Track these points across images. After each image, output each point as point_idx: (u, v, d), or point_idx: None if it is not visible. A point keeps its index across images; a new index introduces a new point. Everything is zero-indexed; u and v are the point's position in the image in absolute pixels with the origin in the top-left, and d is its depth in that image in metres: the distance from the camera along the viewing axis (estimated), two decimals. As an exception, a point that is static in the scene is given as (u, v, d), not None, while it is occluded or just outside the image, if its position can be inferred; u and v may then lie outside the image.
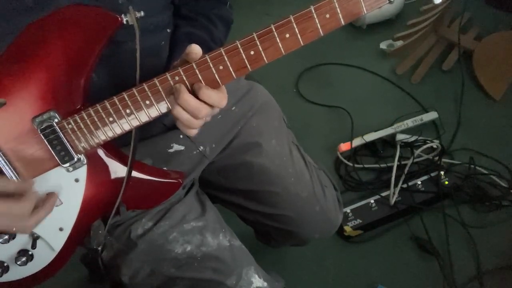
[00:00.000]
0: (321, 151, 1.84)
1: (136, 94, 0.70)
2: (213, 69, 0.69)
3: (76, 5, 0.68)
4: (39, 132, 0.71)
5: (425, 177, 1.66)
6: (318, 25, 0.66)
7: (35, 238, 0.79)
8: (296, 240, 1.18)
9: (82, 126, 0.71)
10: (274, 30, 0.66)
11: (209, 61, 0.68)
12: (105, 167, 0.76)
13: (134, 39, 0.68)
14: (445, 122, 1.85)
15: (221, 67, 0.69)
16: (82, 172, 0.75)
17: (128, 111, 0.71)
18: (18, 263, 0.79)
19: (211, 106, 0.71)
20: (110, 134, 0.73)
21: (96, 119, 0.71)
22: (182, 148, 0.96)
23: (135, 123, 0.72)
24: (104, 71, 0.78)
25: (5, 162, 0.72)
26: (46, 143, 0.72)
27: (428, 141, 1.77)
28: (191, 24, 0.93)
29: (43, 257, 0.81)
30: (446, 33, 2.06)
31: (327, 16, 0.65)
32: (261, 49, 0.67)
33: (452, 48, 2.06)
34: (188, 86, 0.70)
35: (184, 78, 0.69)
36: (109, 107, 0.70)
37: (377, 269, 1.51)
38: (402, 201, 1.60)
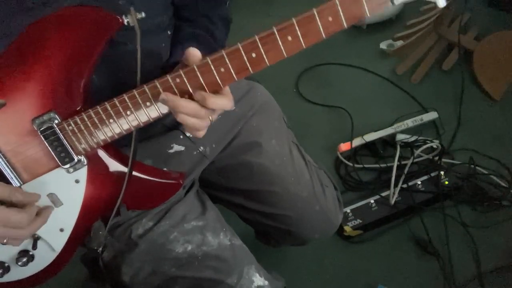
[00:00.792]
0: (321, 151, 1.84)
1: (137, 96, 0.70)
2: (214, 71, 0.69)
3: (76, 6, 0.68)
4: (39, 133, 0.71)
5: (425, 177, 1.66)
6: (321, 27, 0.66)
7: (35, 239, 0.79)
8: (296, 240, 1.18)
9: (83, 128, 0.71)
10: (276, 33, 0.66)
11: (210, 63, 0.68)
12: (106, 168, 0.76)
13: (135, 40, 0.68)
14: (445, 122, 1.85)
15: (222, 70, 0.68)
16: (82, 173, 0.75)
17: (128, 112, 0.71)
18: (19, 263, 0.79)
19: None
20: (111, 135, 0.73)
21: (96, 121, 0.71)
22: (182, 148, 0.96)
23: (136, 124, 0.72)
24: (104, 72, 0.78)
25: (5, 163, 0.72)
26: (46, 144, 0.72)
27: (428, 141, 1.77)
28: (192, 25, 0.93)
29: (44, 257, 0.81)
30: (446, 33, 2.06)
31: (330, 18, 0.65)
32: (263, 51, 0.67)
33: (452, 48, 2.07)
34: (189, 88, 0.70)
35: (185, 80, 0.69)
36: (109, 108, 0.70)
37: (377, 269, 1.51)
38: (402, 201, 1.60)
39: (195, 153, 0.98)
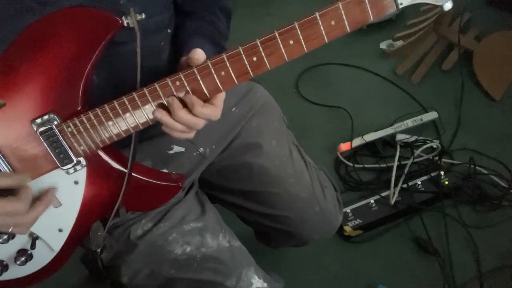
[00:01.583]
0: (321, 151, 1.84)
1: (136, 99, 0.70)
2: (214, 74, 0.68)
3: (76, 7, 0.68)
4: (38, 134, 0.71)
5: (425, 177, 1.66)
6: (323, 32, 0.65)
7: (34, 238, 0.79)
8: (296, 241, 1.18)
9: (82, 130, 0.71)
10: (277, 36, 0.65)
11: (210, 66, 0.68)
12: (105, 169, 0.76)
13: (134, 41, 0.68)
14: (445, 122, 1.85)
15: (222, 73, 0.68)
16: (81, 174, 0.75)
17: (128, 115, 0.71)
18: (17, 262, 0.79)
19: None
20: (110, 137, 0.72)
21: (95, 123, 0.71)
22: (182, 149, 0.96)
23: (135, 126, 0.72)
24: (103, 72, 0.77)
25: (4, 163, 0.72)
26: (46, 145, 0.72)
27: (428, 141, 1.77)
28: (196, 19, 0.92)
29: (42, 257, 0.81)
30: (446, 33, 2.06)
31: (333, 23, 0.64)
32: (264, 55, 0.66)
33: (452, 48, 2.06)
34: (189, 91, 0.70)
35: (185, 84, 0.69)
36: (108, 110, 0.70)
37: (377, 269, 1.51)
38: (402, 201, 1.60)
39: (195, 154, 0.98)
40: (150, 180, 0.79)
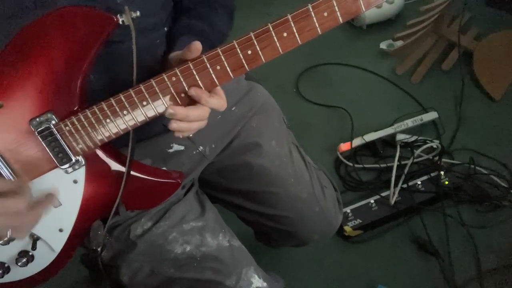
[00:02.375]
0: (321, 151, 1.84)
1: (133, 95, 0.70)
2: (210, 69, 0.69)
3: (72, 6, 0.67)
4: (37, 134, 0.70)
5: (425, 177, 1.66)
6: (316, 23, 0.65)
7: (35, 239, 0.79)
8: (295, 241, 1.18)
9: (80, 128, 0.71)
10: (271, 29, 0.66)
11: (206, 61, 0.68)
12: (104, 168, 0.76)
13: (131, 39, 0.68)
14: (445, 122, 1.85)
15: (218, 67, 0.68)
16: (80, 174, 0.75)
17: (125, 112, 0.71)
18: (18, 264, 0.79)
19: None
20: (108, 135, 0.72)
21: (93, 121, 0.71)
22: (182, 148, 0.96)
23: (133, 124, 0.72)
24: (100, 70, 0.77)
25: (3, 164, 0.72)
26: (44, 145, 0.71)
27: (428, 141, 1.77)
28: (191, 15, 0.92)
29: (43, 258, 0.81)
30: (446, 33, 2.06)
31: (325, 14, 0.65)
32: (258, 48, 0.67)
33: (452, 48, 2.06)
34: (185, 86, 0.70)
35: (181, 79, 0.69)
36: (106, 108, 0.70)
37: (377, 269, 1.51)
38: (402, 201, 1.60)
39: (194, 152, 0.98)
40: (149, 178, 0.79)
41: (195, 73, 0.69)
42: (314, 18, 0.65)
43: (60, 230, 0.79)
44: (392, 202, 1.59)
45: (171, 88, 0.70)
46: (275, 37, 0.66)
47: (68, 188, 0.76)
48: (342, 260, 1.55)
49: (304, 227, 1.10)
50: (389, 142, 1.81)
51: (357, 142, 1.79)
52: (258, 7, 2.47)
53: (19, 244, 0.79)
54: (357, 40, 2.26)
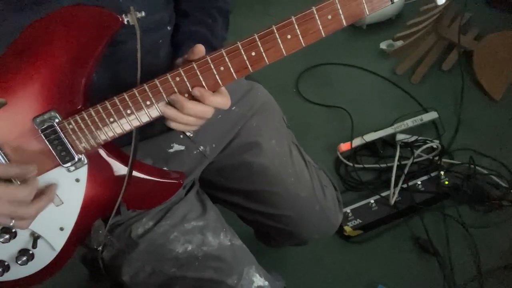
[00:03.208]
0: (321, 151, 1.84)
1: (137, 95, 0.70)
2: (214, 70, 0.69)
3: (77, 5, 0.68)
4: (40, 132, 0.71)
5: (425, 177, 1.66)
6: (320, 26, 0.66)
7: (35, 238, 0.79)
8: (296, 240, 1.18)
9: (83, 126, 0.71)
10: (275, 31, 0.66)
11: (210, 61, 0.68)
12: (106, 167, 0.76)
13: (134, 39, 0.68)
14: (445, 122, 1.85)
15: (222, 68, 0.69)
16: (83, 172, 0.75)
17: (128, 111, 0.71)
18: (19, 262, 0.79)
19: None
20: (111, 134, 0.73)
21: (96, 120, 0.71)
22: (183, 148, 0.96)
23: (136, 123, 0.72)
24: (104, 70, 0.78)
25: (6, 161, 0.72)
26: (47, 143, 0.72)
27: (428, 141, 1.77)
28: (189, 20, 0.93)
29: (43, 256, 0.81)
30: (446, 33, 2.06)
31: (329, 17, 0.65)
32: (262, 50, 0.67)
33: (452, 48, 2.07)
34: (189, 87, 0.70)
35: (185, 79, 0.69)
36: (109, 107, 0.70)
37: (377, 269, 1.51)
38: (402, 201, 1.60)
39: (195, 152, 0.98)
40: (151, 178, 0.79)
41: (199, 73, 0.69)
42: (318, 21, 0.66)
43: (61, 229, 0.79)
44: (392, 202, 1.59)
45: (175, 88, 0.70)
46: (279, 39, 0.67)
47: (70, 187, 0.76)
48: (342, 260, 1.55)
49: (304, 226, 1.10)
50: (389, 142, 1.81)
51: (357, 142, 1.79)
52: (258, 7, 2.47)
53: (20, 243, 0.79)
54: (357, 40, 2.26)
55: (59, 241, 0.80)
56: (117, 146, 0.78)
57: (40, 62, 0.69)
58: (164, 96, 0.70)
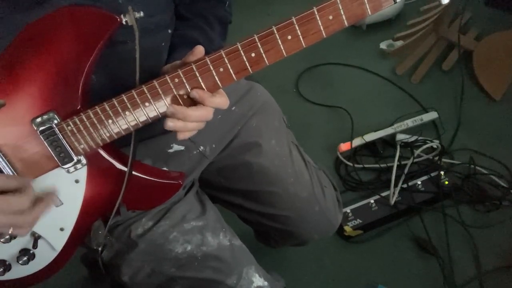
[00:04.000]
0: (321, 151, 1.84)
1: (135, 96, 0.70)
2: (213, 71, 0.68)
3: (75, 6, 0.68)
4: (39, 133, 0.70)
5: (425, 177, 1.66)
6: (321, 26, 0.65)
7: (36, 238, 0.79)
8: (295, 240, 1.18)
9: (82, 128, 0.71)
10: (275, 32, 0.65)
11: (209, 63, 0.68)
12: (105, 168, 0.76)
13: (134, 40, 0.68)
14: (445, 122, 1.85)
15: (221, 69, 0.68)
16: (82, 173, 0.75)
17: (127, 113, 0.71)
18: (19, 262, 0.79)
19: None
20: (110, 135, 0.72)
21: (95, 121, 0.71)
22: (182, 148, 0.96)
23: (134, 124, 0.72)
24: (103, 71, 0.77)
25: (5, 163, 0.72)
26: (46, 144, 0.71)
27: (428, 141, 1.77)
28: (186, 24, 0.92)
29: (44, 256, 0.81)
30: (446, 33, 2.06)
31: (330, 17, 0.64)
32: (262, 51, 0.66)
33: (452, 48, 2.07)
34: (188, 88, 0.70)
35: (184, 81, 0.69)
36: (108, 109, 0.70)
37: (377, 269, 1.52)
38: (402, 201, 1.60)
39: (195, 152, 0.98)
40: (151, 178, 0.79)
41: (198, 75, 0.68)
42: (319, 21, 0.64)
43: (61, 229, 0.79)
44: (392, 202, 1.59)
45: (174, 90, 0.70)
46: (279, 40, 0.66)
47: (69, 188, 0.76)
48: (342, 260, 1.55)
49: (304, 227, 1.10)
50: (389, 142, 1.81)
51: (357, 142, 1.79)
52: (258, 7, 2.47)
53: (21, 243, 0.79)
54: (357, 40, 2.26)
55: (60, 241, 0.80)
56: (116, 147, 0.78)
57: (38, 63, 0.69)
58: (163, 98, 0.70)
